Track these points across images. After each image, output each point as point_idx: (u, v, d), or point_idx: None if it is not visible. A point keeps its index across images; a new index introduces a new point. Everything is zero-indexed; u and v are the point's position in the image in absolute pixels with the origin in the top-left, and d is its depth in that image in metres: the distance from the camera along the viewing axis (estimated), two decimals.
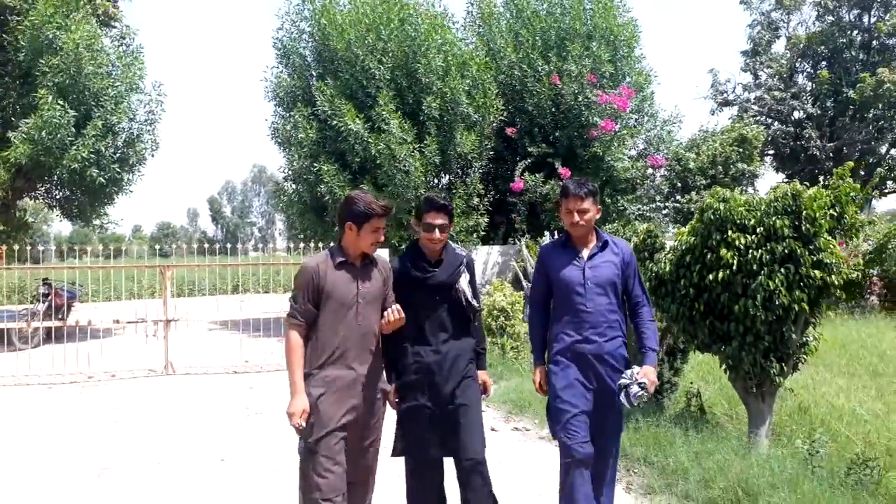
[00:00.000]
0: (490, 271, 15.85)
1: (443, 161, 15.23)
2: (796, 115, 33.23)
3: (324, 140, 15.53)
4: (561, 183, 5.04)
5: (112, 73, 15.54)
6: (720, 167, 22.07)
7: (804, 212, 5.36)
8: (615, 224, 16.64)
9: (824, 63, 33.21)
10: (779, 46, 35.53)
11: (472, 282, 3.95)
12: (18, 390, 9.51)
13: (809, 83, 33.60)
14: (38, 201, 19.14)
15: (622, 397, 3.74)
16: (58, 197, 17.69)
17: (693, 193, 21.88)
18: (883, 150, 32.19)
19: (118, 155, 15.86)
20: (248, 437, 6.85)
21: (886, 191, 32.92)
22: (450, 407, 3.76)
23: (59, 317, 12.59)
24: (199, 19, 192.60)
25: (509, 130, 16.53)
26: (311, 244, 12.38)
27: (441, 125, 15.11)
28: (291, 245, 13.46)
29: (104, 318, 12.03)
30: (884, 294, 16.09)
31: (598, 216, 3.98)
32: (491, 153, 16.66)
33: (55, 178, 15.78)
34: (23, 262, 13.19)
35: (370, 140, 14.33)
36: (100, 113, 14.81)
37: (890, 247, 6.07)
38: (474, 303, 3.91)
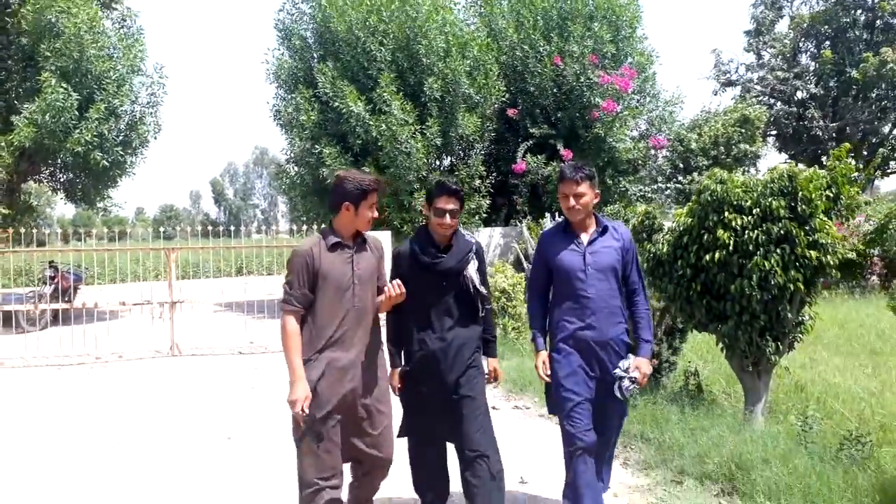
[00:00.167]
0: (492, 253, 15.95)
1: (444, 143, 15.29)
2: (799, 95, 33.17)
3: (325, 122, 15.57)
4: (561, 165, 5.09)
5: (113, 56, 15.58)
6: (722, 148, 22.08)
7: (800, 193, 5.41)
8: (617, 205, 16.68)
9: (827, 43, 33.09)
10: (782, 26, 35.44)
11: (480, 269, 3.91)
12: (28, 371, 9.66)
13: (813, 63, 33.52)
14: (42, 184, 19.25)
15: (615, 389, 3.79)
16: (62, 180, 17.80)
17: (695, 174, 21.91)
18: (886, 129, 32.14)
19: (121, 138, 15.97)
20: (254, 416, 6.98)
21: (889, 171, 32.90)
22: (454, 396, 3.76)
23: (66, 299, 12.70)
24: (200, 1, 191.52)
25: (511, 112, 16.54)
26: (315, 226, 12.47)
27: (442, 106, 15.14)
28: (294, 227, 13.56)
29: (110, 300, 12.15)
30: (884, 274, 16.16)
31: (596, 200, 3.94)
32: (493, 135, 16.70)
33: (59, 161, 15.88)
34: (28, 245, 13.31)
35: (371, 122, 14.37)
36: (102, 96, 14.88)
37: (891, 227, 6.14)
38: (482, 290, 3.87)
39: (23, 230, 11.93)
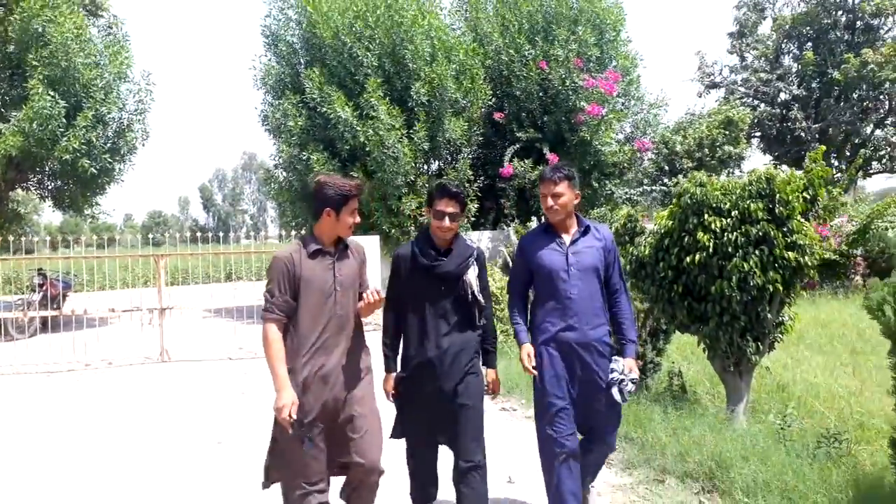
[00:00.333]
0: None
1: (432, 147, 15.39)
2: (782, 96, 33.46)
3: (313, 128, 15.63)
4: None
5: (100, 64, 15.59)
6: (707, 150, 22.23)
7: (777, 195, 5.53)
8: (603, 208, 16.82)
9: (809, 44, 33.42)
10: (765, 28, 35.73)
11: (481, 276, 3.85)
12: (17, 379, 9.68)
13: (795, 64, 33.81)
14: (29, 192, 19.20)
15: (615, 393, 3.76)
16: (49, 188, 17.76)
17: (680, 176, 22.04)
18: (868, 130, 32.45)
19: (109, 145, 15.96)
20: (244, 420, 7.04)
21: (872, 171, 33.22)
22: (450, 405, 3.72)
23: (55, 306, 12.72)
24: (187, 6, 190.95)
25: (498, 116, 16.66)
26: (304, 231, 12.52)
27: (429, 111, 15.24)
28: (283, 232, 13.61)
29: (99, 307, 12.17)
30: (867, 274, 16.36)
31: (576, 201, 3.94)
32: (480, 139, 16.82)
33: (47, 168, 15.90)
34: (16, 252, 13.32)
35: (359, 127, 14.46)
36: (90, 103, 14.88)
37: (873, 227, 6.27)
38: (480, 297, 3.81)
39: (11, 238, 11.94)
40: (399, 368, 3.89)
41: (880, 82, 29.16)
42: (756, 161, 48.46)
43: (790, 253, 5.49)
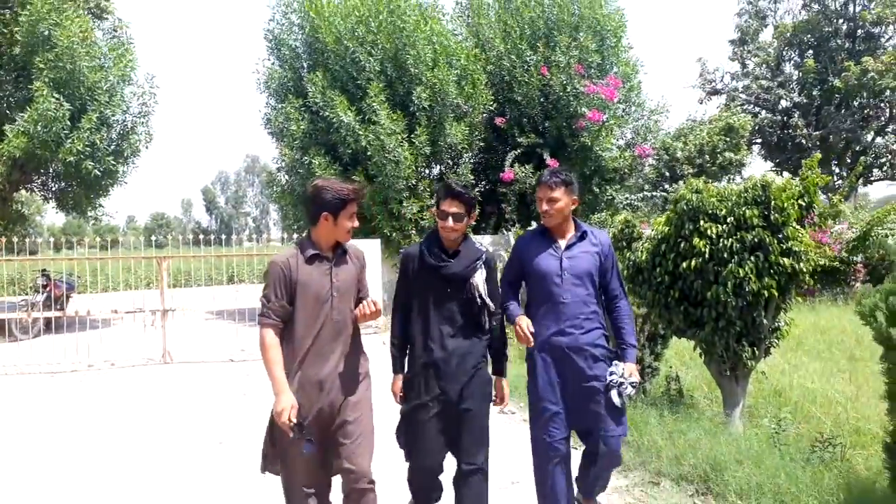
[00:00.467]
0: None
1: (433, 152, 15.47)
2: (783, 103, 33.55)
3: (315, 131, 15.73)
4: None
5: (105, 67, 15.70)
6: (707, 156, 22.32)
7: (773, 202, 5.61)
8: (604, 213, 16.86)
9: (810, 52, 33.53)
10: (766, 35, 35.85)
11: (489, 279, 3.82)
12: (21, 379, 9.76)
13: (796, 72, 33.91)
14: (33, 194, 19.31)
15: (614, 395, 3.73)
16: (53, 189, 17.86)
17: (680, 183, 22.13)
18: (868, 138, 32.53)
19: (113, 147, 16.07)
20: (245, 421, 7.10)
21: (872, 179, 33.27)
22: (455, 409, 3.70)
23: (58, 307, 12.81)
24: (191, 10, 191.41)
25: (499, 121, 16.71)
26: (306, 235, 12.60)
27: (431, 116, 15.33)
28: (286, 235, 13.70)
29: (102, 308, 12.26)
30: (867, 281, 16.37)
31: (573, 206, 3.91)
32: (481, 144, 16.87)
33: (51, 170, 15.99)
34: (20, 253, 13.40)
35: (360, 131, 14.54)
36: (94, 106, 14.98)
37: (873, 234, 6.34)
38: (489, 301, 3.77)
39: (15, 239, 12.03)
40: (406, 370, 3.87)
41: (881, 90, 29.25)
42: (757, 168, 48.49)
43: (785, 259, 5.56)
